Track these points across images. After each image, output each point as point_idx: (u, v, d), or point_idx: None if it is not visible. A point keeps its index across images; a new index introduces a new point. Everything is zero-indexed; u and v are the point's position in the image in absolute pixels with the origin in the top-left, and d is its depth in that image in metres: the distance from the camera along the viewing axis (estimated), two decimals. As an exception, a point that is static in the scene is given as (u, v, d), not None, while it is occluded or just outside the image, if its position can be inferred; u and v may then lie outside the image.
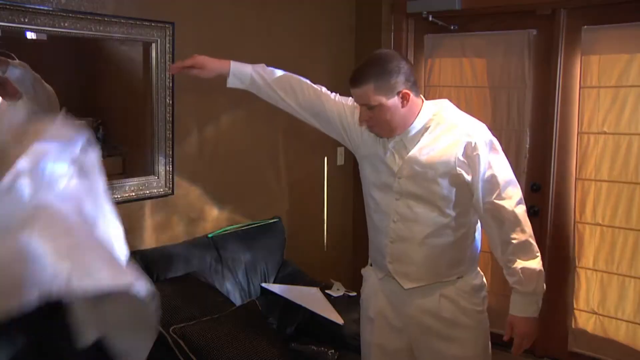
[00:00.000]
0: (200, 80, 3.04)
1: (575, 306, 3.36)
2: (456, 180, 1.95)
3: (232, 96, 3.18)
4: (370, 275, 2.22)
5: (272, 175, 3.47)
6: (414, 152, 1.98)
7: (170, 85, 2.83)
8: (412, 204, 2.00)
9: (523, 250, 1.94)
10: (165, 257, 2.80)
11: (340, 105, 2.12)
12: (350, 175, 3.93)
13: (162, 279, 2.68)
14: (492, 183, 1.94)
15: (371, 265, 2.22)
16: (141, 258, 2.72)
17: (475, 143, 1.93)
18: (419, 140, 1.98)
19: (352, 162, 3.91)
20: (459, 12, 3.43)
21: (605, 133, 3.16)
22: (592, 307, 3.30)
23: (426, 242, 2.01)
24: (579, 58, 3.19)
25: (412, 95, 1.94)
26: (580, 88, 3.21)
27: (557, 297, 3.37)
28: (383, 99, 1.91)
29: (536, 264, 1.95)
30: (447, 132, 1.97)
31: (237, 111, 3.22)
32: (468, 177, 1.94)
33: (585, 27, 3.14)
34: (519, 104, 3.40)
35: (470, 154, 1.93)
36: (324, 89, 2.16)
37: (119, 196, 2.73)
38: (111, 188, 2.69)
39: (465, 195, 1.99)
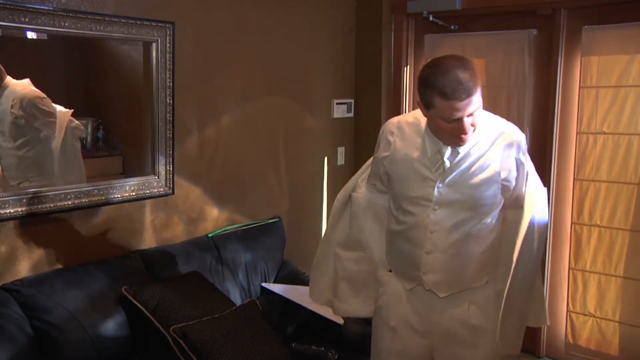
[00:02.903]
0: (201, 80, 3.06)
1: (572, 308, 3.36)
2: (500, 186, 1.97)
3: (232, 96, 3.20)
4: (390, 282, 2.15)
5: (272, 175, 3.47)
6: (462, 157, 1.94)
7: (171, 85, 2.84)
8: (451, 213, 1.97)
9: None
10: (166, 257, 2.80)
11: (377, 172, 2.14)
12: (350, 175, 3.90)
13: (162, 279, 2.68)
14: (528, 179, 2.07)
15: (389, 271, 2.17)
16: (141, 258, 2.73)
17: (520, 150, 2.01)
18: (469, 146, 1.95)
19: (352, 162, 3.91)
20: (459, 12, 3.43)
21: (604, 133, 3.16)
22: (590, 310, 3.30)
23: (462, 250, 1.99)
24: (579, 58, 3.19)
25: None
26: (580, 88, 3.22)
27: (555, 299, 3.38)
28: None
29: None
30: (492, 137, 1.98)
31: (237, 111, 3.22)
32: (511, 180, 1.99)
33: (586, 27, 3.14)
34: (518, 103, 3.40)
35: (515, 160, 2.00)
36: (362, 187, 2.25)
37: (119, 196, 2.74)
38: (111, 188, 2.71)
39: (503, 198, 2.02)
